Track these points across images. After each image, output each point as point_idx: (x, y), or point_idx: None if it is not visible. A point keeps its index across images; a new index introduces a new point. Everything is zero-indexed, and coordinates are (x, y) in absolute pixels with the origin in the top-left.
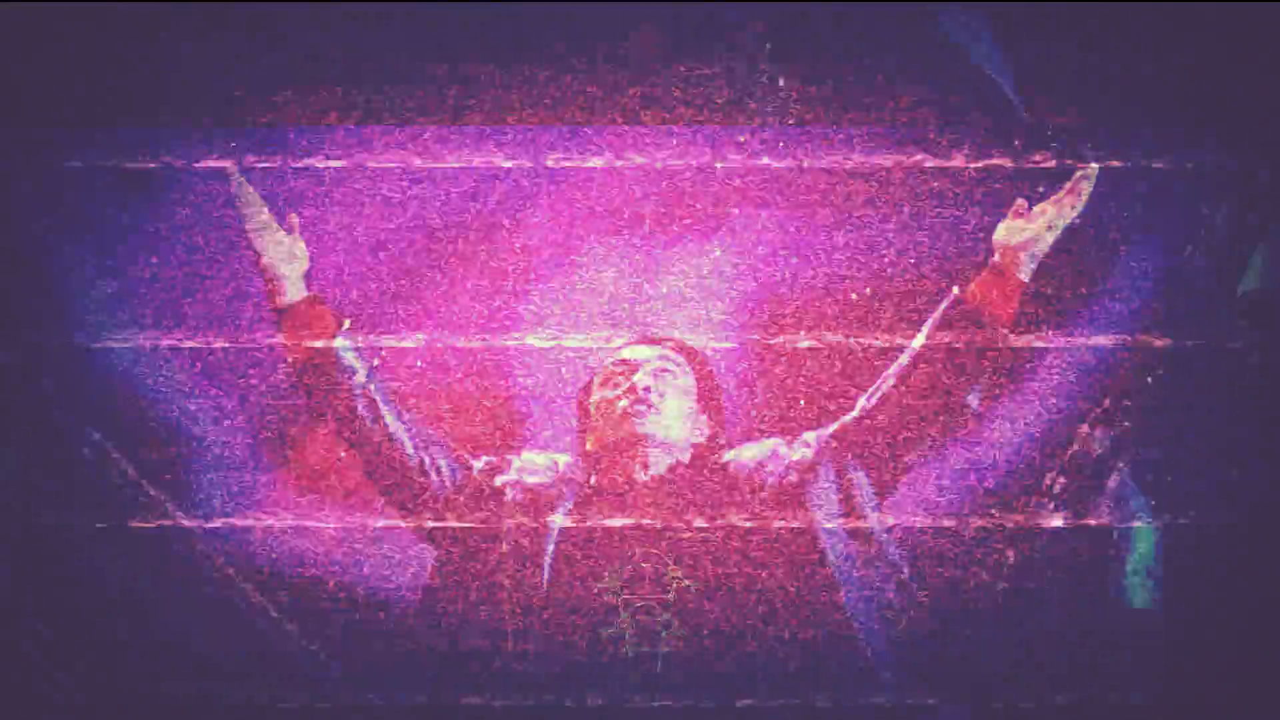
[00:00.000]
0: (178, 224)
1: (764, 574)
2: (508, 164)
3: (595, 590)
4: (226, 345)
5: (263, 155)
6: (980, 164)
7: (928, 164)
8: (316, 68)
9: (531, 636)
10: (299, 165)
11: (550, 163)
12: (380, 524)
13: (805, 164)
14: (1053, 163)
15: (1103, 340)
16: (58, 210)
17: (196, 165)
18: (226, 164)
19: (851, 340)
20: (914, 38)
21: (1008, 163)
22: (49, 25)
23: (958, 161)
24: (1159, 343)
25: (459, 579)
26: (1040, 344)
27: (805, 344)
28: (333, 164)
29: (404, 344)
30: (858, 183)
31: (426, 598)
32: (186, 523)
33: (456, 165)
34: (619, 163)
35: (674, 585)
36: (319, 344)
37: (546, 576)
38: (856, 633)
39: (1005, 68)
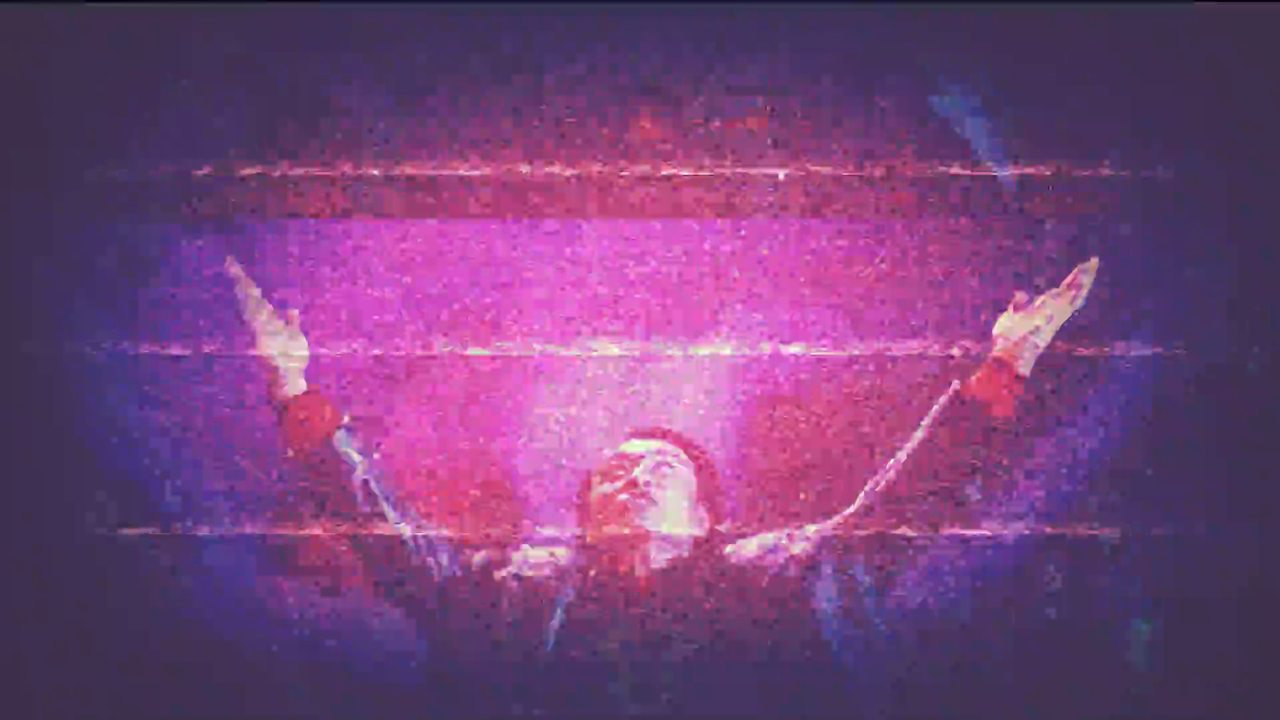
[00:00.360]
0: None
1: (765, 670)
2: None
3: (594, 684)
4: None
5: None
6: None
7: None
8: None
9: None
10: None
11: (547, 256)
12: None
13: (807, 256)
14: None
15: (1102, 429)
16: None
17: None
18: (228, 260)
19: (853, 435)
20: (911, 119)
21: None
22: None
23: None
24: (1159, 426)
25: (456, 672)
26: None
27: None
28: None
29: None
30: (859, 269)
31: (423, 692)
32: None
33: (455, 258)
34: (618, 255)
35: (674, 681)
36: (318, 438)
37: (545, 670)
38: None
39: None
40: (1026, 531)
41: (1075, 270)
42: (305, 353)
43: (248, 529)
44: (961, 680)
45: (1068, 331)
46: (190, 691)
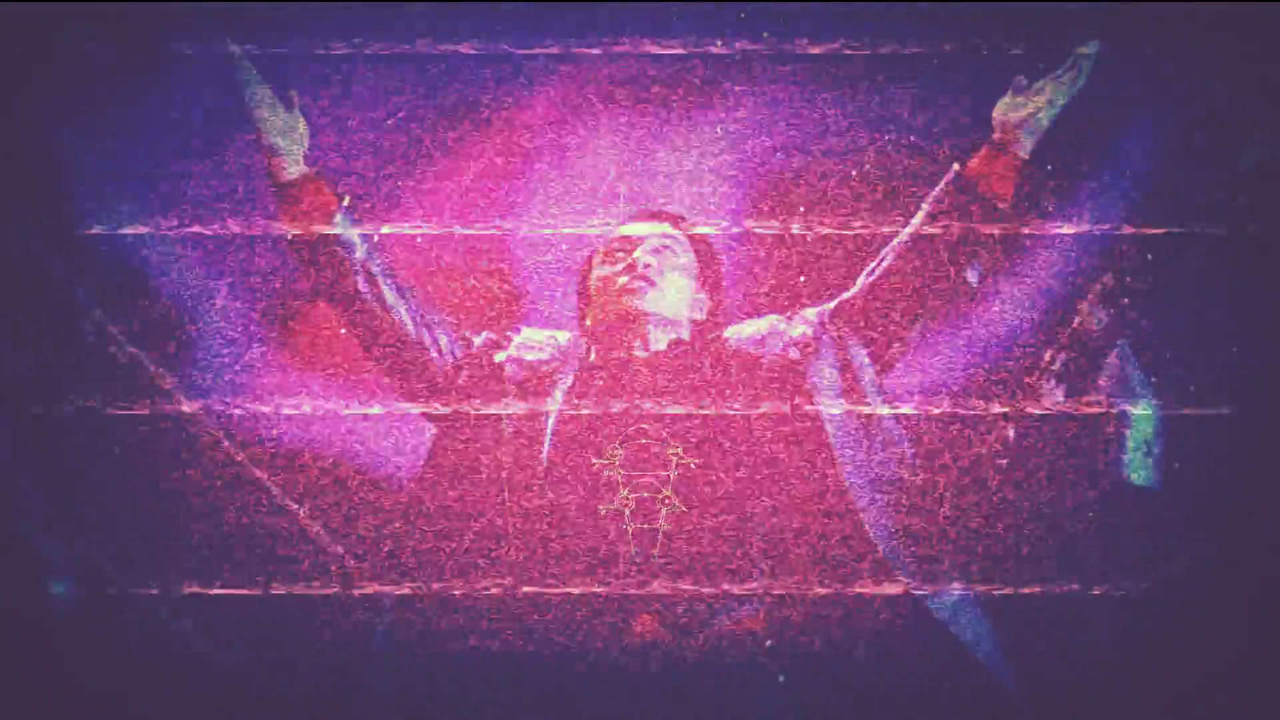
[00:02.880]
0: (178, 105)
1: (764, 452)
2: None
3: (595, 467)
4: (228, 228)
5: (263, 36)
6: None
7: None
8: None
9: (531, 514)
10: (299, 46)
11: (546, 44)
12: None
13: (807, 40)
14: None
15: (1103, 223)
16: (57, 94)
17: (198, 45)
18: (229, 43)
19: (852, 218)
20: None
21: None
22: None
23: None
24: (1158, 224)
25: (458, 456)
26: (1039, 225)
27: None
28: (332, 47)
29: (401, 230)
30: (858, 61)
31: (425, 476)
32: (186, 406)
33: (451, 48)
34: (616, 43)
35: (674, 462)
36: (319, 219)
37: (546, 452)
38: (857, 512)
39: None
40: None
41: (1074, 52)
42: (306, 136)
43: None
44: (959, 474)
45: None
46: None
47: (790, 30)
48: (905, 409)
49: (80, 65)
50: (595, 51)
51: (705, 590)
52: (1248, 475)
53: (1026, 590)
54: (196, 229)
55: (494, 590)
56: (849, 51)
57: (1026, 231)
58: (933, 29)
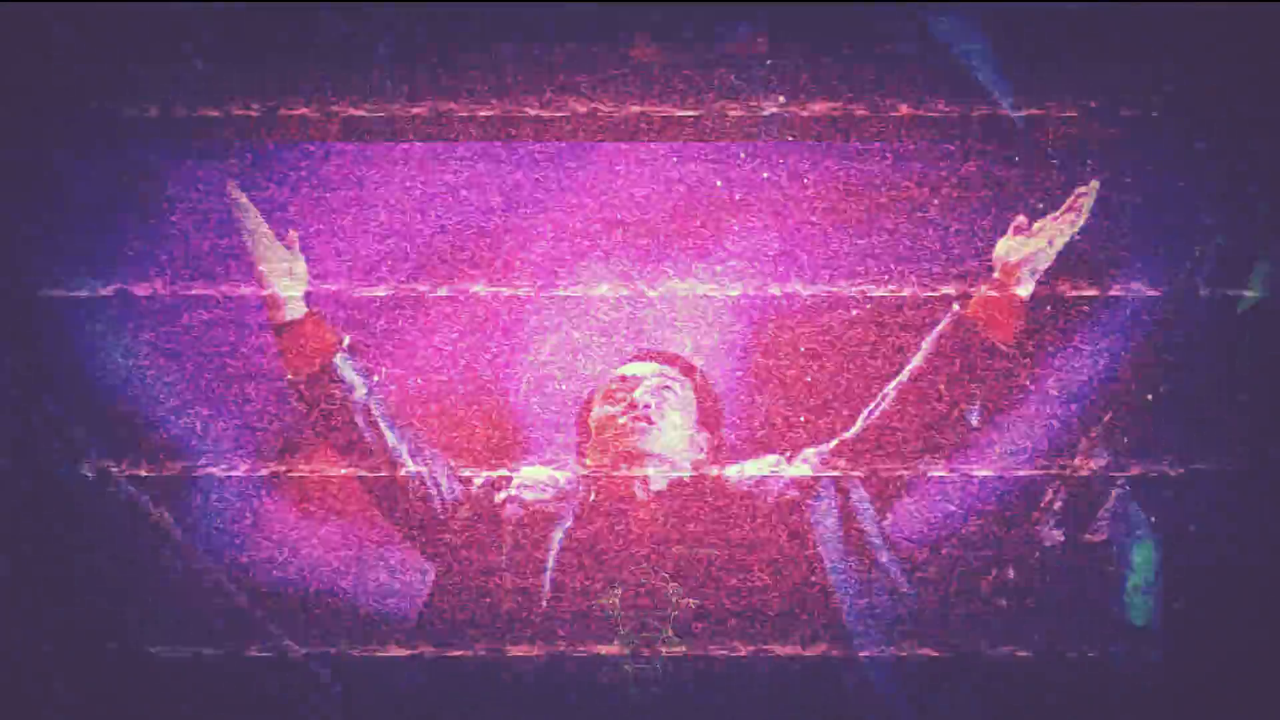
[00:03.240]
0: (176, 240)
1: (764, 590)
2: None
3: (595, 605)
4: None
5: (264, 175)
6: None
7: (925, 178)
8: (314, 84)
9: (531, 654)
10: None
11: (549, 180)
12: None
13: (806, 180)
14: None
15: (1103, 359)
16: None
17: (199, 183)
18: (229, 185)
19: (852, 358)
20: (908, 44)
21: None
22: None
23: (957, 171)
24: (1159, 359)
25: (459, 595)
26: (1039, 367)
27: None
28: (332, 186)
29: (399, 370)
30: (857, 197)
31: (426, 613)
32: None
33: (455, 183)
34: (618, 180)
35: (674, 601)
36: (319, 361)
37: (547, 591)
38: (856, 651)
39: (999, 74)
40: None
41: (1075, 193)
42: (305, 276)
43: (248, 461)
44: (960, 608)
45: (1067, 259)
46: (188, 630)
47: (782, 172)
48: (904, 550)
49: (75, 205)
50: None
51: None
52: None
53: None
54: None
55: None
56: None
57: (1026, 372)
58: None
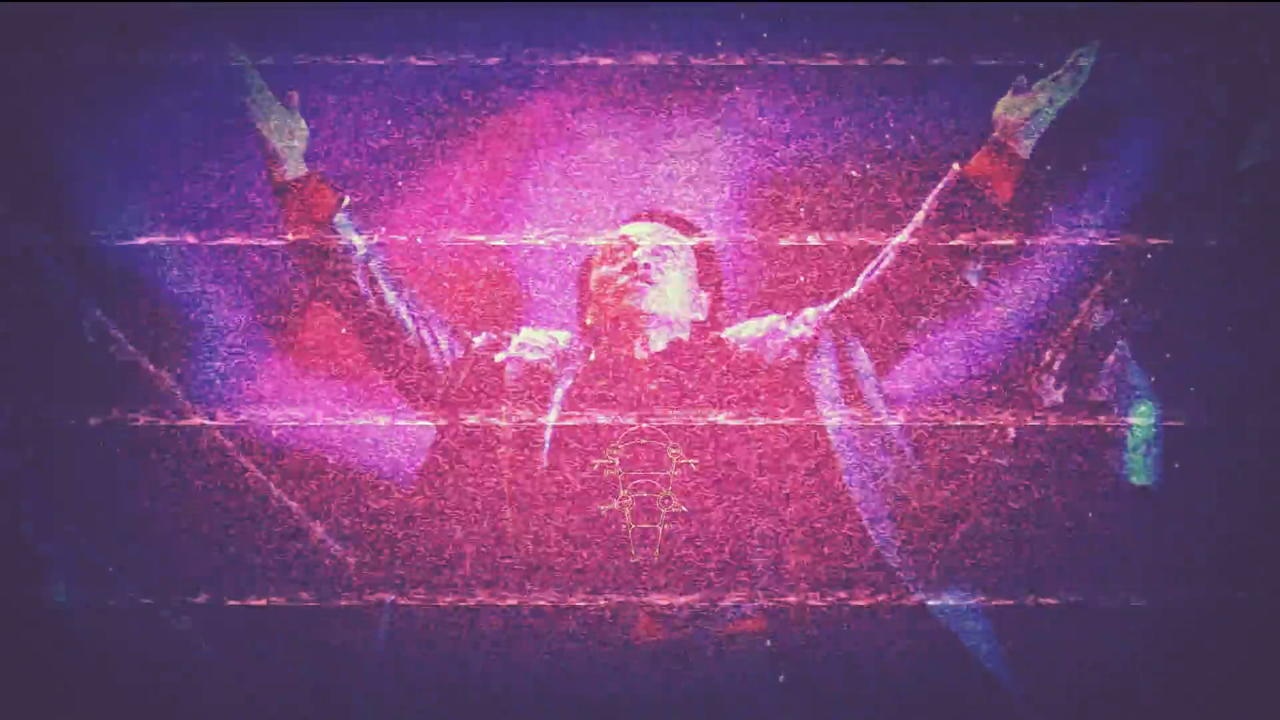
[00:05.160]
0: (179, 110)
1: (764, 453)
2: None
3: (595, 467)
4: (227, 232)
5: (264, 39)
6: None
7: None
8: None
9: (531, 514)
10: (300, 50)
11: (547, 49)
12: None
13: (806, 43)
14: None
15: (1103, 223)
16: (60, 100)
17: (198, 48)
18: (230, 47)
19: (852, 220)
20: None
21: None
22: None
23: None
24: (1159, 223)
25: (458, 456)
26: (1040, 224)
27: (807, 235)
28: (333, 51)
29: (399, 238)
30: (859, 60)
31: (425, 475)
32: (188, 406)
33: (453, 57)
34: (617, 49)
35: (674, 462)
36: (319, 220)
37: (546, 452)
38: (857, 512)
39: None
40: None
41: (1075, 53)
42: (305, 136)
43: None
44: (957, 470)
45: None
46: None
47: (790, 34)
48: (904, 410)
49: (78, 69)
50: (596, 58)
51: (705, 591)
52: (1246, 477)
53: (1028, 593)
54: (195, 233)
55: (492, 593)
56: (851, 59)
57: (1027, 231)
58: (932, 34)
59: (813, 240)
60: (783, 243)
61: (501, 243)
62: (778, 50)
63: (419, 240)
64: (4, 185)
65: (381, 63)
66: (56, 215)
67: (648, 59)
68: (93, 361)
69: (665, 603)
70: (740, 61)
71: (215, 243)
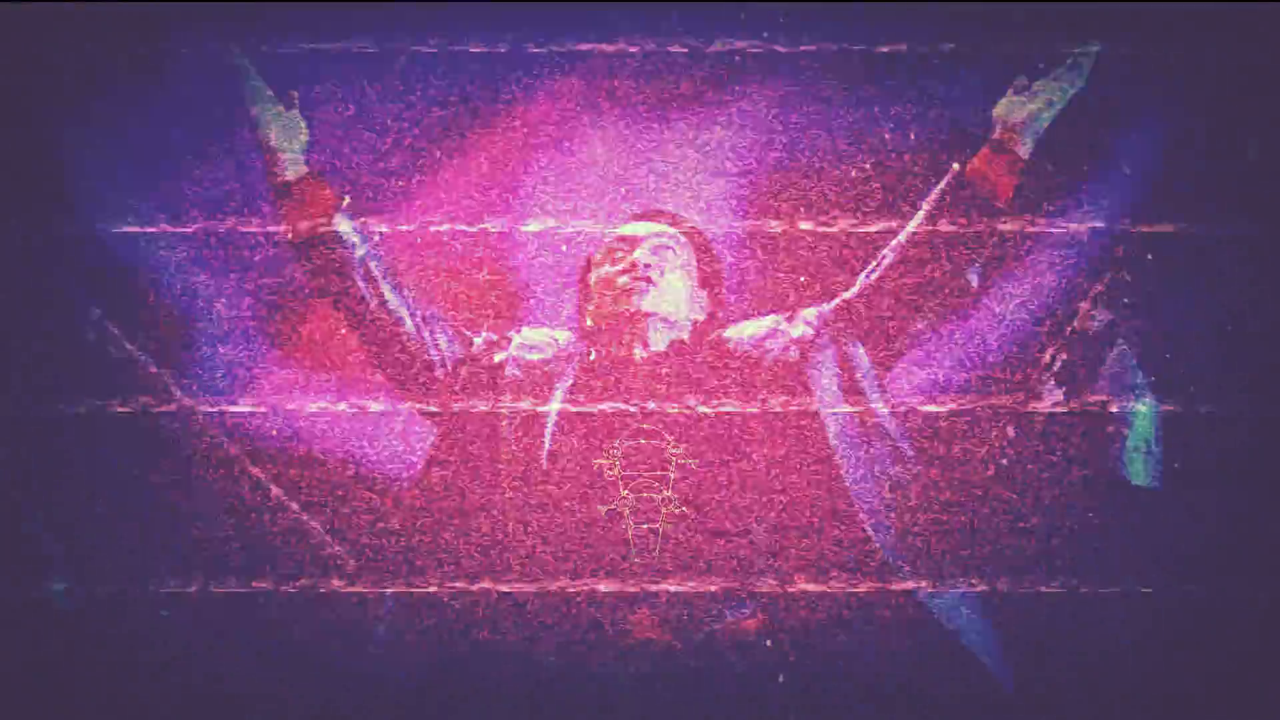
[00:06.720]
0: (178, 105)
1: (764, 452)
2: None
3: (595, 467)
4: (228, 227)
5: (263, 35)
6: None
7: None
8: None
9: (531, 514)
10: (299, 45)
11: (548, 43)
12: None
13: (805, 41)
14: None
15: (1103, 222)
16: (57, 93)
17: (197, 45)
18: (229, 43)
19: (852, 218)
20: None
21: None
22: None
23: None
24: (1160, 222)
25: (459, 456)
26: (1040, 224)
27: (805, 226)
28: (332, 46)
29: (401, 228)
30: (858, 59)
31: (425, 475)
32: (186, 402)
33: (453, 48)
34: (617, 43)
35: (673, 462)
36: (319, 219)
37: (546, 452)
38: (857, 512)
39: None
40: (1026, 318)
41: (1076, 52)
42: (305, 135)
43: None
44: (957, 469)
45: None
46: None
47: (790, 31)
48: (905, 408)
49: (79, 65)
50: (596, 51)
51: (704, 590)
52: (1247, 474)
53: (1026, 589)
54: (195, 228)
55: (493, 590)
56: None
57: (1027, 231)
58: (933, 29)
59: (812, 240)
60: (782, 243)
61: (498, 228)
62: (778, 45)
63: (416, 236)
64: (4, 182)
65: (379, 51)
66: (56, 212)
67: (650, 49)
68: (92, 357)
69: (665, 603)
70: (740, 57)
71: (215, 242)
